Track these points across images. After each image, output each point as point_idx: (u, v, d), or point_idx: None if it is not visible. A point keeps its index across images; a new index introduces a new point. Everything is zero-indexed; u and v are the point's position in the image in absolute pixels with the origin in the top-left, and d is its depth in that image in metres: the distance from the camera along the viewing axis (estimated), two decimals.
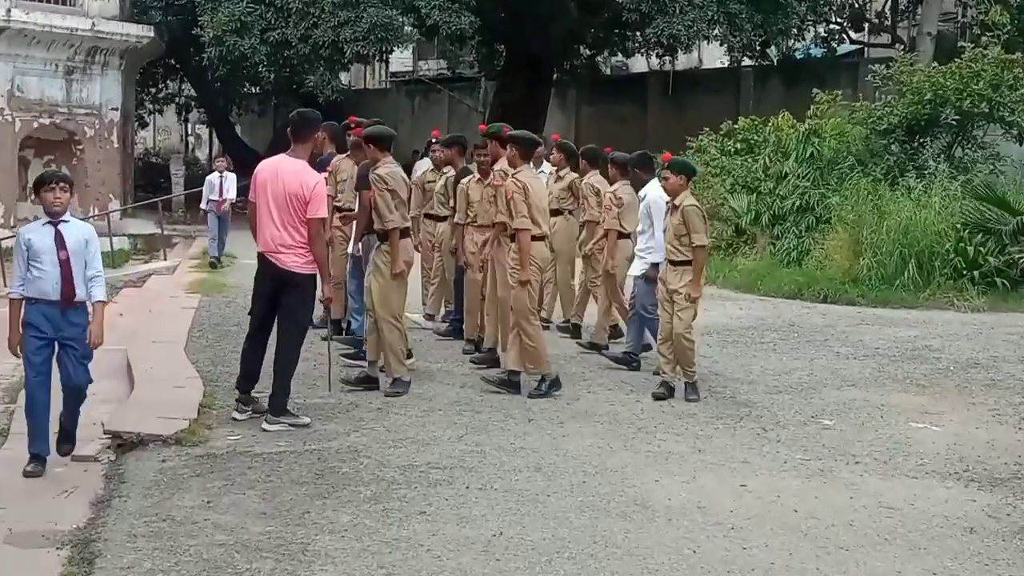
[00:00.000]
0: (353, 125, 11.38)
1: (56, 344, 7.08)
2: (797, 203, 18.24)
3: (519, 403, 9.07)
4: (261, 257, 8.25)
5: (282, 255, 8.10)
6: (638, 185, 10.79)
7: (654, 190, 10.32)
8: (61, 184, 7.12)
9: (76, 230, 7.14)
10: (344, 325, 11.41)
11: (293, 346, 8.27)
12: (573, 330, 12.18)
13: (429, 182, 12.37)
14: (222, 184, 18.85)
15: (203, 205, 19.13)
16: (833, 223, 16.84)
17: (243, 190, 8.88)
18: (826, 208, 17.57)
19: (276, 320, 8.26)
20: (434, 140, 12.79)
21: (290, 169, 8.18)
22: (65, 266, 6.99)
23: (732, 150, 21.10)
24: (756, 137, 20.90)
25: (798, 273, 16.63)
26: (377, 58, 31.12)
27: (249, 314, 8.55)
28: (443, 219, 12.03)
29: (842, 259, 16.05)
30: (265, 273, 8.23)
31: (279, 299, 8.19)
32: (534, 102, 29.63)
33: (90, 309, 7.14)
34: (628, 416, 8.79)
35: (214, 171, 19.60)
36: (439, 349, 11.42)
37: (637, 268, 10.43)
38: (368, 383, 9.39)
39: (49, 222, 7.09)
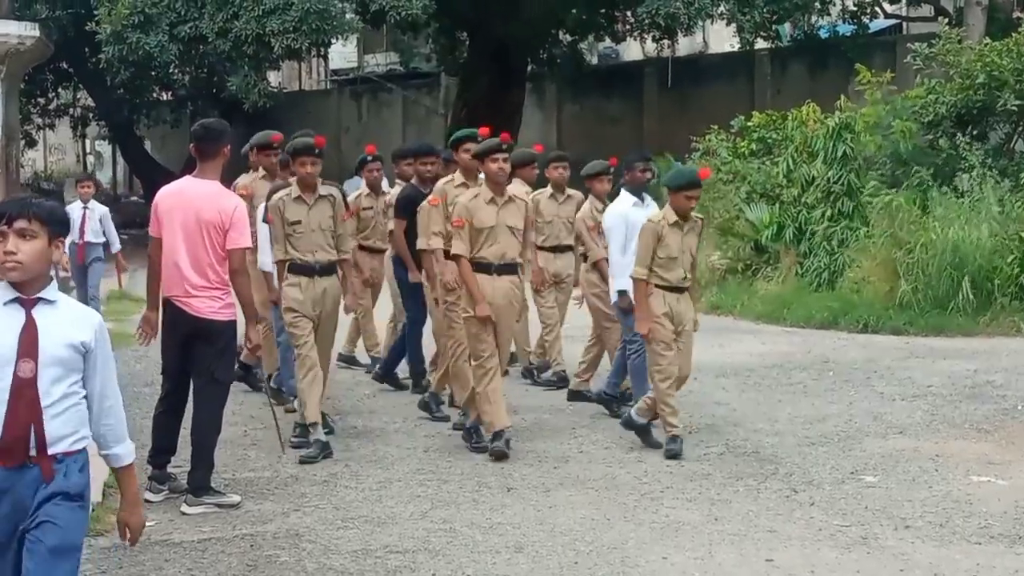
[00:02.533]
0: (276, 145, 11.46)
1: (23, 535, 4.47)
2: (828, 213, 18.34)
3: (495, 469, 9.08)
4: (168, 304, 8.25)
5: (193, 300, 8.11)
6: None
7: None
8: (19, 224, 4.43)
9: (67, 318, 4.53)
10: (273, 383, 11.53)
11: (213, 409, 8.26)
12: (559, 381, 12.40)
13: (365, 208, 12.58)
14: (85, 220, 16.14)
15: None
16: (872, 236, 16.94)
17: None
18: (863, 219, 17.67)
19: (192, 381, 8.26)
20: (369, 158, 12.91)
21: (202, 193, 8.20)
22: (23, 391, 4.38)
23: (747, 151, 21.23)
24: (775, 135, 21.03)
25: (831, 298, 16.72)
26: (313, 53, 31.29)
27: (163, 373, 8.55)
28: (381, 252, 12.58)
29: (883, 280, 16.15)
30: (175, 322, 8.22)
31: (193, 352, 8.19)
32: (506, 101, 29.81)
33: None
34: (628, 480, 8.80)
35: (74, 200, 16.60)
36: (397, 405, 11.43)
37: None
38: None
39: (16, 299, 4.46)
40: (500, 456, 9.32)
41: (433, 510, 8.04)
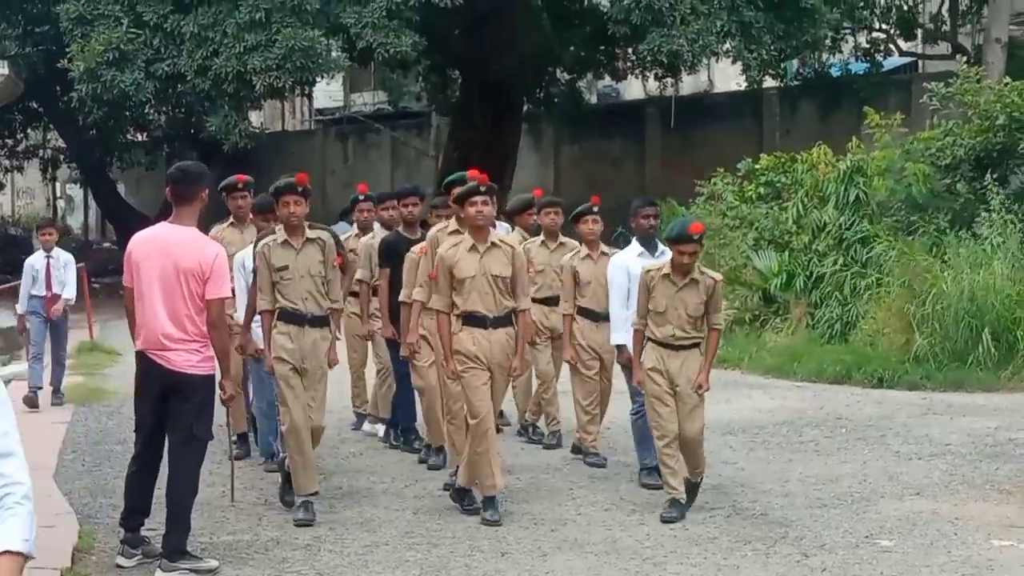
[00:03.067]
0: (241, 186, 11.57)
1: None
2: (840, 261, 18.40)
3: (488, 533, 9.07)
4: (143, 357, 8.26)
5: (171, 352, 8.12)
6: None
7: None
8: None
9: None
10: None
11: (190, 467, 8.26)
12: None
13: (353, 250, 12.62)
14: (49, 270, 15.24)
15: (20, 307, 15.49)
16: (887, 285, 16.99)
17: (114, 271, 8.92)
18: (877, 267, 17.72)
19: (168, 438, 8.25)
20: (361, 198, 13.05)
21: (180, 240, 8.21)
22: None
23: (754, 195, 21.30)
24: (784, 178, 21.11)
25: (844, 351, 16.74)
26: (297, 92, 31.39)
27: (136, 429, 8.55)
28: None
29: (899, 331, 16.18)
30: (149, 376, 8.24)
31: (169, 408, 8.19)
32: (500, 142, 29.94)
33: None
34: (630, 544, 8.80)
35: (36, 251, 15.84)
36: (385, 463, 11.44)
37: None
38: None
39: None
40: (492, 524, 9.30)
41: None
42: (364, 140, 40.09)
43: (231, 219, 11.73)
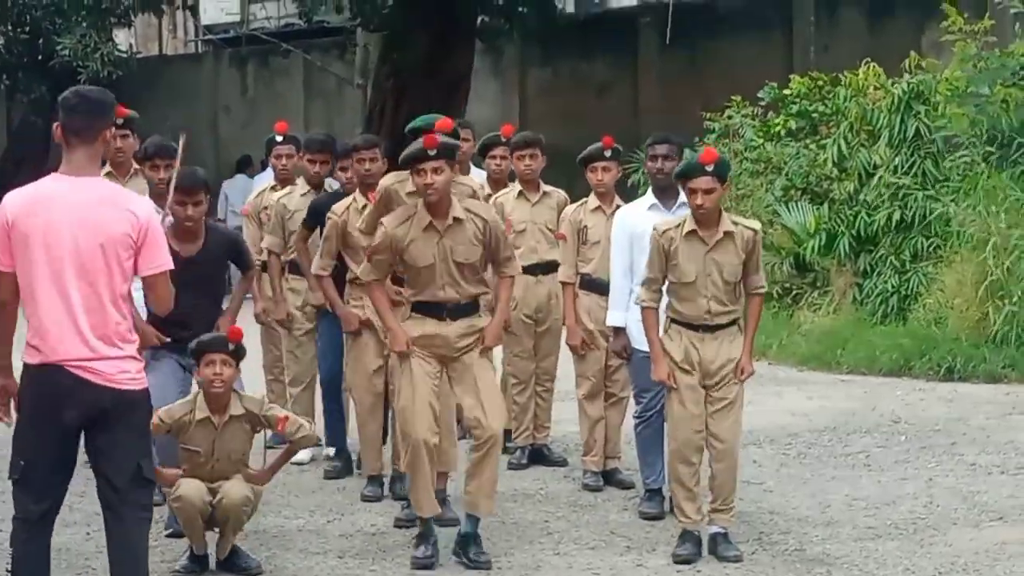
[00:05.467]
0: (121, 123, 11.15)
1: None
2: (896, 217, 18.40)
3: None
4: (55, 373, 7.20)
5: (100, 363, 7.15)
6: None
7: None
8: None
9: None
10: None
11: (146, 526, 7.50)
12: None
13: (266, 209, 12.49)
14: None
15: None
16: (956, 248, 16.99)
17: None
18: (944, 223, 17.72)
19: (102, 487, 7.35)
20: (279, 139, 12.93)
21: (93, 197, 7.20)
22: None
23: (782, 131, 21.28)
24: (822, 108, 21.10)
25: (902, 333, 16.78)
26: (178, 3, 31.19)
27: (13, 479, 7.45)
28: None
29: (973, 305, 16.18)
30: (59, 400, 7.20)
31: (98, 444, 7.30)
32: (447, 66, 29.77)
33: None
34: None
35: None
36: (301, 494, 11.43)
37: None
38: None
39: None
40: (423, 566, 9.26)
41: None
42: (268, 65, 39.80)
43: (106, 167, 11.45)
